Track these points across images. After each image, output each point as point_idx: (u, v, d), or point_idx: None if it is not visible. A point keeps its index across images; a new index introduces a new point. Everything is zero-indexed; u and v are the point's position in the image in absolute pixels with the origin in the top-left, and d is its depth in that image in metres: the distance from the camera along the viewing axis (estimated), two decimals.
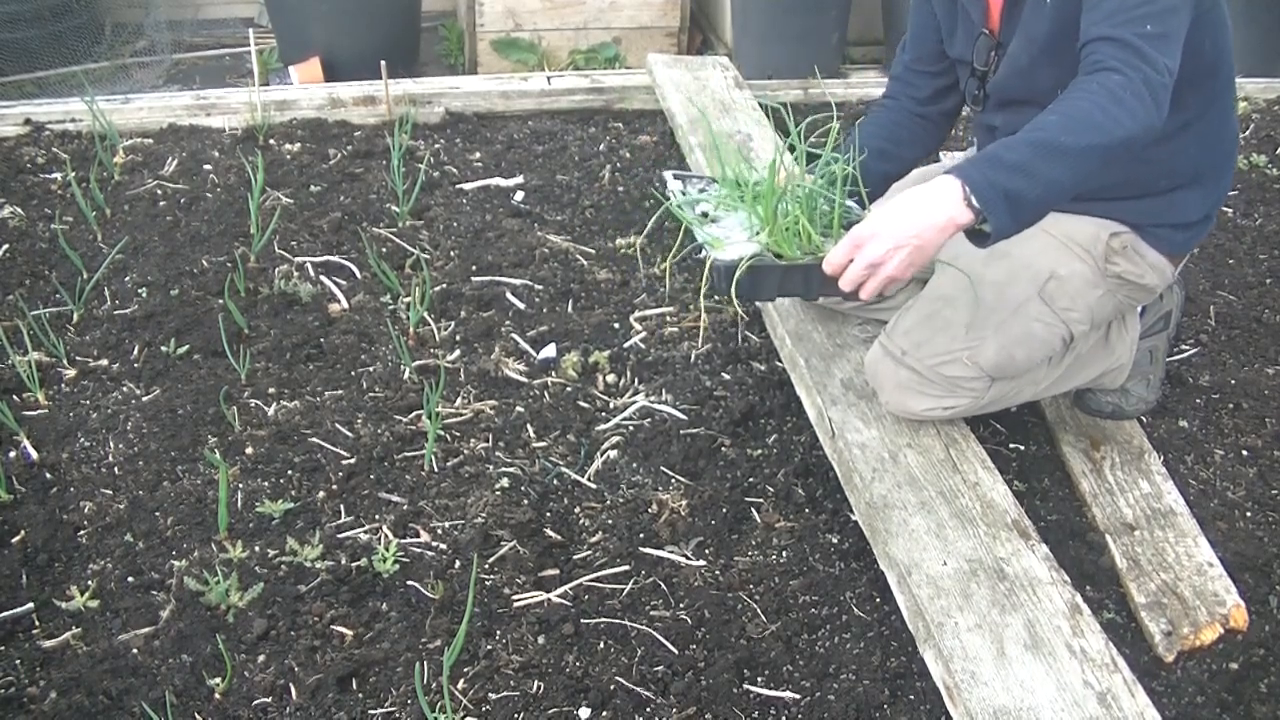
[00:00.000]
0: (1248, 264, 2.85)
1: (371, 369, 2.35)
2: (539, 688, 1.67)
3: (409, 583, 1.84)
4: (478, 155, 3.30)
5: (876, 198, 2.14)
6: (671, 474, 2.10)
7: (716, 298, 1.75)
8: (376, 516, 1.98)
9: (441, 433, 2.15)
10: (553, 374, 2.36)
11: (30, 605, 1.78)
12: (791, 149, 1.87)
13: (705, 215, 1.88)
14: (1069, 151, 1.57)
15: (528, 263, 2.75)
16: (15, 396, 2.23)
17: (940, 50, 2.08)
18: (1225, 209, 3.09)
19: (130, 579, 1.84)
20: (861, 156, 1.86)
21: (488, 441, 2.16)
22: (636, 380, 2.35)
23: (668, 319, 2.54)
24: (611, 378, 2.35)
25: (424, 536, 1.93)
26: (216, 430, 2.16)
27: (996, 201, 1.57)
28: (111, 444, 2.12)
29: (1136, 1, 1.64)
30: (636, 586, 1.85)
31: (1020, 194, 1.57)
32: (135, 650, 1.71)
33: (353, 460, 2.09)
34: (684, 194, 1.94)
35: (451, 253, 2.79)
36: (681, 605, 1.82)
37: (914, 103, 2.15)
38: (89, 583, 1.82)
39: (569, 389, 2.31)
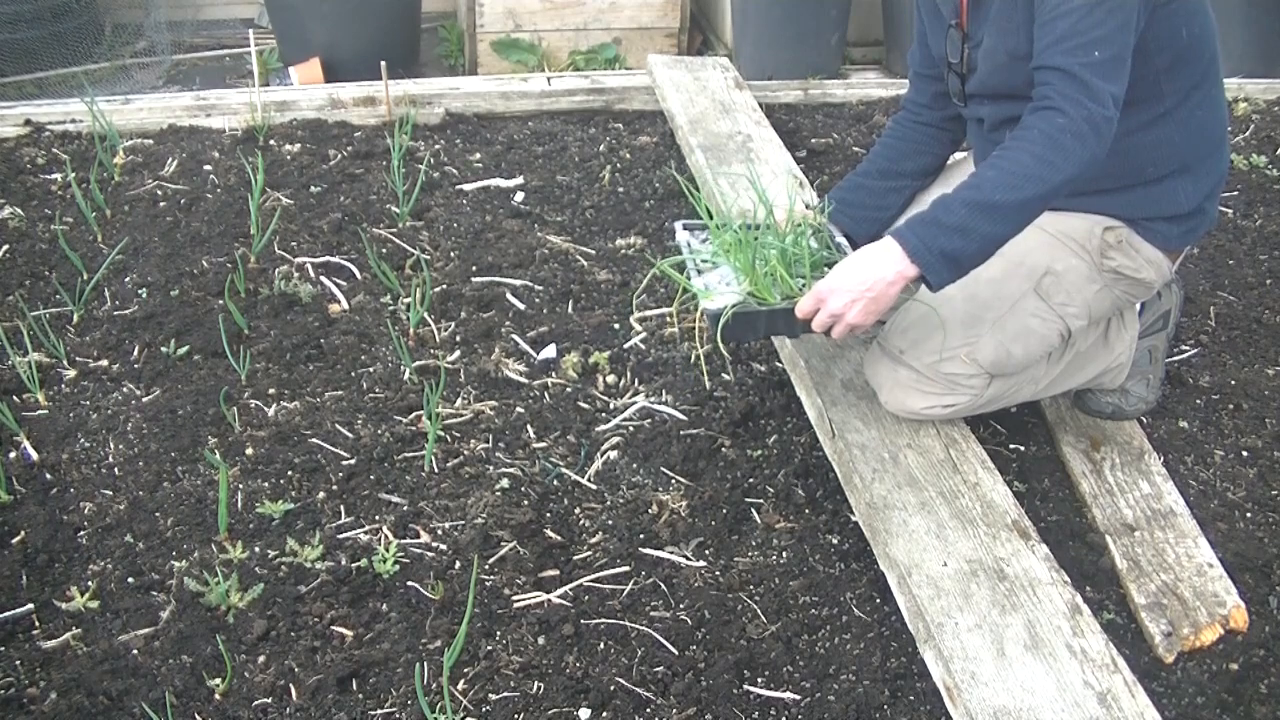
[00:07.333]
0: (1248, 264, 2.84)
1: (371, 369, 2.35)
2: (539, 688, 1.67)
3: (409, 583, 1.84)
4: (478, 156, 3.30)
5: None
6: (671, 474, 2.10)
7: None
8: (376, 517, 1.98)
9: (441, 433, 2.15)
10: (553, 374, 2.36)
11: (30, 606, 1.78)
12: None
13: (707, 261, 2.00)
14: (1004, 207, 1.70)
15: (528, 263, 2.75)
16: (15, 397, 2.23)
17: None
18: (1225, 209, 3.09)
19: (130, 579, 1.84)
20: (830, 208, 2.05)
21: (488, 442, 2.16)
22: (636, 381, 2.35)
23: (668, 319, 2.54)
24: (611, 378, 2.35)
25: (424, 537, 1.93)
26: (216, 431, 2.16)
27: (933, 262, 1.72)
28: (111, 445, 2.12)
29: (1087, 25, 1.68)
30: (636, 587, 1.85)
31: (957, 251, 1.72)
32: (135, 651, 1.71)
33: (353, 461, 2.09)
34: (689, 246, 2.06)
35: (451, 253, 2.79)
36: (681, 606, 1.82)
37: (919, 108, 2.18)
38: (89, 583, 1.82)
39: (569, 389, 2.31)
